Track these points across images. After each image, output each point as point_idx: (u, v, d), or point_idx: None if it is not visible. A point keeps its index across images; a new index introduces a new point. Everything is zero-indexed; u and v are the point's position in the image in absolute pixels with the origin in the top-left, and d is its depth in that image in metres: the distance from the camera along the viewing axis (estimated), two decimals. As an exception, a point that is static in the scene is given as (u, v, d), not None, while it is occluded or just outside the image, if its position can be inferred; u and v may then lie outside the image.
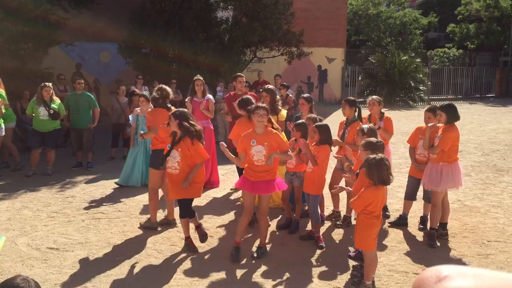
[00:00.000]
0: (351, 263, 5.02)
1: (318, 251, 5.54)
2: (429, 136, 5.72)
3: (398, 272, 5.01)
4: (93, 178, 8.92)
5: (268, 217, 5.43)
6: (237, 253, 5.31)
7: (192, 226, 5.67)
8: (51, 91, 9.05)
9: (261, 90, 7.52)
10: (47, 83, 9.18)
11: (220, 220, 6.64)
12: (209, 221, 6.60)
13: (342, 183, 6.50)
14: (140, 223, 6.35)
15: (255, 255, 5.34)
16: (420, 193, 6.38)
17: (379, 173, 4.29)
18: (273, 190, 5.34)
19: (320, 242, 5.68)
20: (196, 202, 7.42)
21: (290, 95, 11.17)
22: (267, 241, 5.55)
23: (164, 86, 6.51)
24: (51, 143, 9.16)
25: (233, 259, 5.26)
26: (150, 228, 6.20)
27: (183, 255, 5.42)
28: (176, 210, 5.96)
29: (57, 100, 9.23)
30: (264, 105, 5.39)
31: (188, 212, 5.52)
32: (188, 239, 5.60)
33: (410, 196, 6.34)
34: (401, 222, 6.36)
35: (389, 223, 6.32)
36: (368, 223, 4.43)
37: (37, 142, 9.09)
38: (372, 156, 4.38)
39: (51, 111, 8.96)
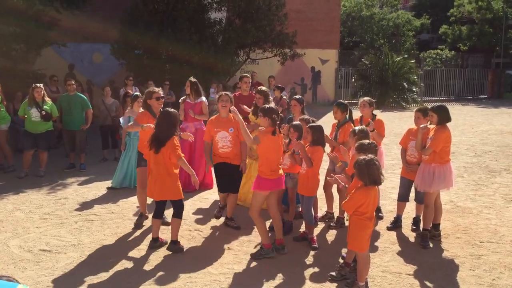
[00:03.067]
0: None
1: (312, 252, 5.54)
2: (421, 138, 5.75)
3: (392, 273, 5.02)
4: (85, 180, 8.88)
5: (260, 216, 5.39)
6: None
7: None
8: (42, 92, 9.00)
9: (254, 91, 7.53)
10: (38, 84, 9.13)
11: (213, 221, 6.63)
12: (201, 222, 6.59)
13: (335, 186, 6.51)
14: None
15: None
16: (412, 195, 6.40)
17: (370, 173, 4.30)
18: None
19: (313, 244, 5.68)
20: (190, 203, 7.43)
21: (284, 97, 11.18)
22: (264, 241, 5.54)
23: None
24: (43, 145, 9.12)
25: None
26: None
27: (176, 256, 5.41)
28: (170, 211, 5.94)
29: (49, 101, 9.18)
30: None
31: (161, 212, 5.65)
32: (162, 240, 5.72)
33: (402, 197, 6.36)
34: (397, 224, 6.38)
35: (387, 227, 6.34)
36: (361, 224, 4.44)
37: (29, 143, 9.04)
38: (362, 157, 4.39)
39: (43, 113, 8.91)
